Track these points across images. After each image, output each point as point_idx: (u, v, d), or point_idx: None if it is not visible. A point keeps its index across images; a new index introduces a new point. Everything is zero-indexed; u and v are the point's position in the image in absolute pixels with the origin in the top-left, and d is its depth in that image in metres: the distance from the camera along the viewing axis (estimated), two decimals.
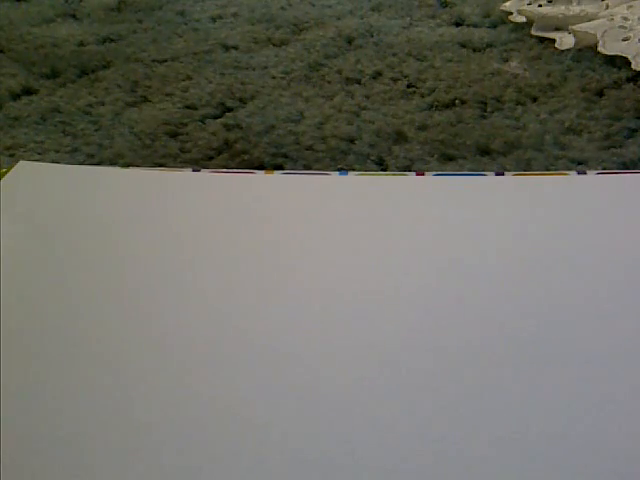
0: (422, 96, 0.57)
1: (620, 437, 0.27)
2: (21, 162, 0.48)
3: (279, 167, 0.49)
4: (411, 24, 0.72)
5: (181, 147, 0.52)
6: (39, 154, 0.52)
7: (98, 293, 0.36)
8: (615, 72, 0.58)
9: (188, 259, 0.38)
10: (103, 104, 0.59)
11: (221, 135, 0.53)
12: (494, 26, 0.70)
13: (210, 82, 0.62)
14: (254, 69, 0.64)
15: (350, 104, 0.57)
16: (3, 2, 0.84)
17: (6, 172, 0.46)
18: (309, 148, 0.51)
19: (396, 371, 0.31)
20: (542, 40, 0.66)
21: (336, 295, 0.35)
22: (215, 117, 0.56)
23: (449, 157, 0.49)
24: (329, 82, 0.61)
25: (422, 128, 0.53)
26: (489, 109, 0.55)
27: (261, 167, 0.49)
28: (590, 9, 0.66)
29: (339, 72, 0.62)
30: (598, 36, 0.61)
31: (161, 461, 0.27)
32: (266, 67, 0.64)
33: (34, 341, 0.33)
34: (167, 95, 0.60)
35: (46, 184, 0.46)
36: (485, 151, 0.50)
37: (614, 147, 0.49)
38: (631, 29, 0.61)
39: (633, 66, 0.58)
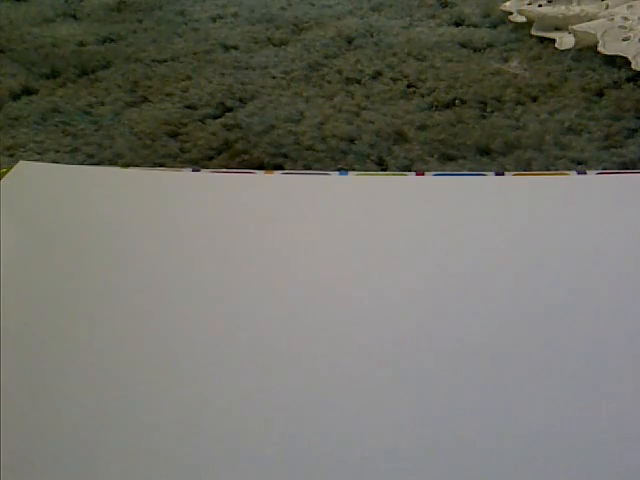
0: (422, 96, 0.57)
1: (620, 437, 0.27)
2: (21, 162, 0.48)
3: (279, 167, 0.49)
4: (411, 24, 0.72)
5: (181, 147, 0.52)
6: (39, 154, 0.52)
7: (98, 293, 0.36)
8: (615, 72, 0.58)
9: (188, 259, 0.38)
10: (103, 104, 0.59)
11: (221, 135, 0.53)
12: (494, 26, 0.70)
13: (210, 82, 0.62)
14: (254, 69, 0.64)
15: (350, 104, 0.57)
16: (3, 2, 0.84)
17: (6, 172, 0.46)
18: (309, 148, 0.51)
19: (396, 371, 0.31)
20: (542, 40, 0.66)
21: (336, 295, 0.35)
22: (215, 117, 0.56)
23: (449, 157, 0.49)
24: (329, 82, 0.61)
25: (422, 128, 0.53)
26: (489, 109, 0.55)
27: (261, 167, 0.49)
28: (590, 9, 0.66)
29: (339, 72, 0.62)
30: (598, 36, 0.61)
31: (161, 461, 0.27)
32: (266, 67, 0.64)
33: (34, 341, 0.33)
34: (167, 95, 0.60)
35: (46, 184, 0.46)
36: (485, 151, 0.50)
37: (614, 147, 0.49)
38: (631, 29, 0.61)
39: (633, 66, 0.58)
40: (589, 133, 0.50)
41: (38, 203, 0.44)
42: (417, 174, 0.45)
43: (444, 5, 0.77)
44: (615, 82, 0.57)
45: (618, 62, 0.59)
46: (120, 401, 0.30)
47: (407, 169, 0.48)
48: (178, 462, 0.27)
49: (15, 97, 0.61)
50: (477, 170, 0.47)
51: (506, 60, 0.63)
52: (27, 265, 0.38)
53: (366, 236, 0.39)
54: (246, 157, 0.50)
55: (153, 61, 0.67)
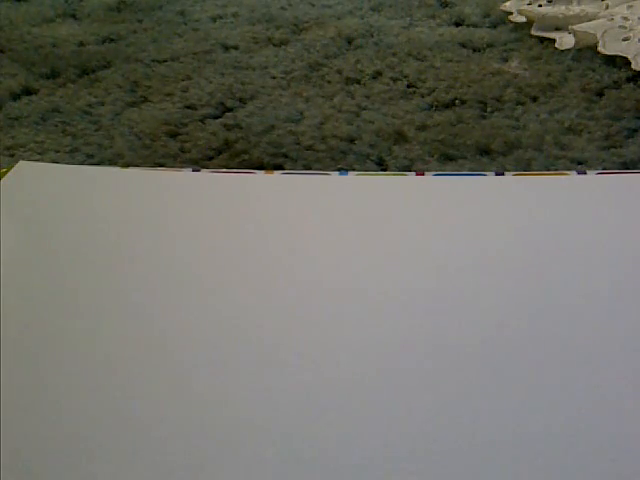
0: (422, 96, 0.57)
1: (620, 437, 0.27)
2: (21, 162, 0.48)
3: (279, 167, 0.49)
4: (411, 24, 0.72)
5: (181, 147, 0.52)
6: (39, 154, 0.52)
7: (98, 293, 0.36)
8: (615, 72, 0.58)
9: (188, 259, 0.38)
10: (103, 104, 0.59)
11: (221, 135, 0.53)
12: (494, 26, 0.70)
13: (210, 82, 0.62)
14: (254, 69, 0.64)
15: (350, 104, 0.57)
16: (3, 2, 0.84)
17: (6, 172, 0.46)
18: (309, 148, 0.51)
19: (395, 371, 0.31)
20: (542, 40, 0.66)
21: (336, 295, 0.35)
22: (215, 117, 0.56)
23: (449, 157, 0.49)
24: (329, 82, 0.61)
25: (422, 128, 0.53)
26: (489, 109, 0.55)
27: (261, 167, 0.49)
28: (590, 9, 0.66)
29: (339, 72, 0.62)
30: (598, 36, 0.61)
31: (161, 461, 0.27)
32: (266, 67, 0.64)
33: (34, 341, 0.33)
34: (167, 95, 0.60)
35: (46, 184, 0.46)
36: (485, 151, 0.50)
37: (614, 147, 0.49)
38: (631, 29, 0.61)
39: (633, 66, 0.58)
40: (589, 133, 0.50)
41: (38, 203, 0.44)
42: (417, 174, 0.45)
43: (444, 5, 0.76)
44: (615, 82, 0.57)
45: (618, 62, 0.59)
46: (120, 401, 0.30)
47: (407, 169, 0.48)
48: (178, 462, 0.27)
49: (15, 97, 0.61)
50: (477, 170, 0.47)
51: (506, 60, 0.63)
52: (27, 265, 0.38)
53: (366, 236, 0.39)
54: (246, 157, 0.50)
55: (153, 61, 0.67)
